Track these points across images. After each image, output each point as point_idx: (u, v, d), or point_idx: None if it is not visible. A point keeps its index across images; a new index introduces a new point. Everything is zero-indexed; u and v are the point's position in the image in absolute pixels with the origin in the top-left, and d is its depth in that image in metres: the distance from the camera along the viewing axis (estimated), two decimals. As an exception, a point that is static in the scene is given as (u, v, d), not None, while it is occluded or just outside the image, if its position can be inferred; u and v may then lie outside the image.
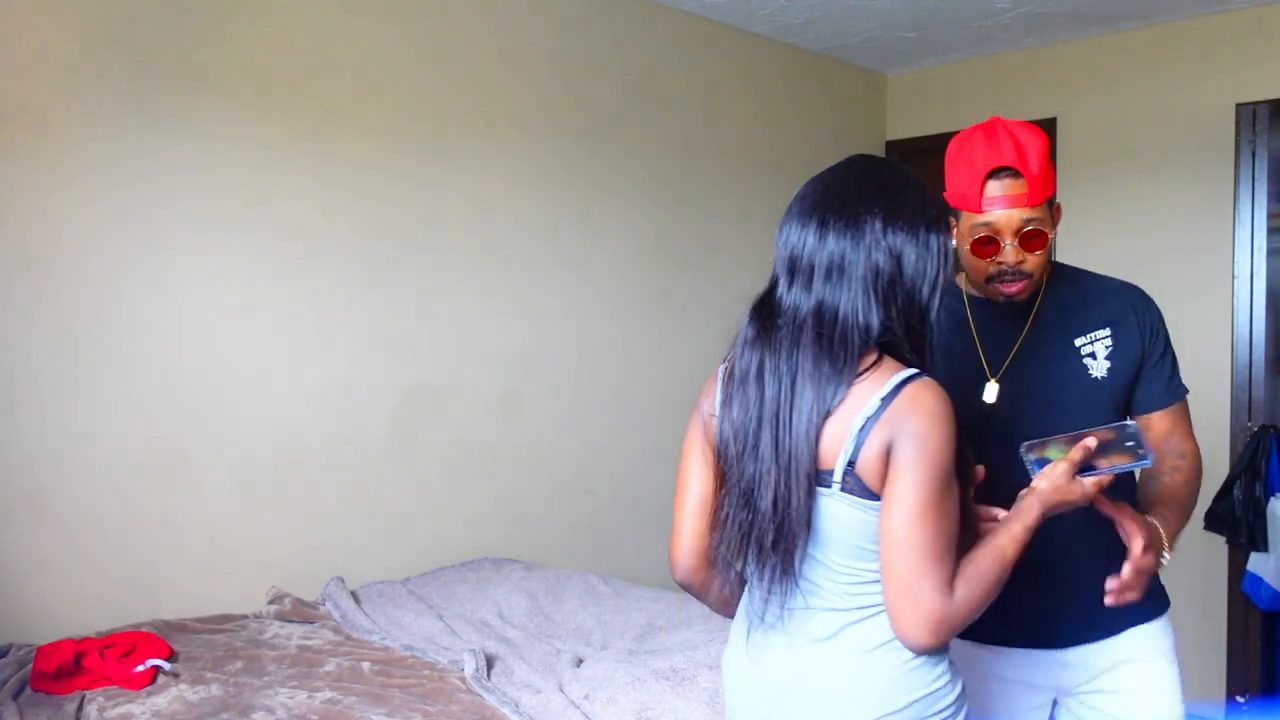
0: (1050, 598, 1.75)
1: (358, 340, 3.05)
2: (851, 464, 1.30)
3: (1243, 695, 3.76)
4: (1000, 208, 1.68)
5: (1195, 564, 3.92)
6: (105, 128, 2.57)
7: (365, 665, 2.39)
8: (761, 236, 4.21)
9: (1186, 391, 1.84)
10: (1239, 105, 3.80)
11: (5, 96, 2.43)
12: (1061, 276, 1.84)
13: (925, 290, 1.38)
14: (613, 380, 3.69)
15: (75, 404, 2.53)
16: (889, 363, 1.34)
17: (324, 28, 2.96)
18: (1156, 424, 1.81)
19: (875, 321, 1.33)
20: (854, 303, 1.34)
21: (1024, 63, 4.37)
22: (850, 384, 1.31)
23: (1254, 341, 3.79)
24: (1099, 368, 1.77)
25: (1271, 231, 3.79)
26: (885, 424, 1.28)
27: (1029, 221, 1.68)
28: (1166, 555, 1.65)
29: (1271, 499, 3.55)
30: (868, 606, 1.33)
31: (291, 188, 2.90)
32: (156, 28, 2.65)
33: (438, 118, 3.22)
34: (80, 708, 2.13)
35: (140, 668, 2.24)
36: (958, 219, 1.73)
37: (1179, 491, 1.76)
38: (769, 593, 1.36)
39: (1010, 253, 1.70)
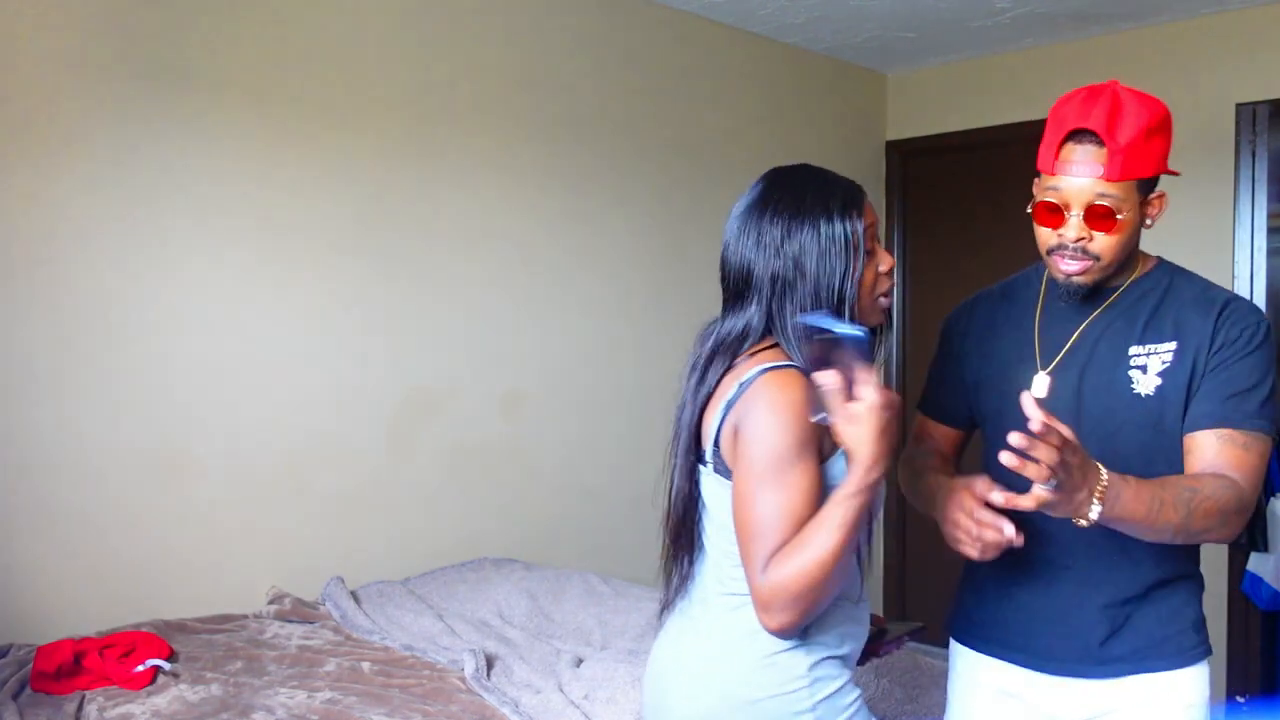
0: (1055, 620, 1.62)
1: (358, 340, 3.05)
2: (717, 444, 1.40)
3: (1243, 695, 3.76)
4: (1071, 175, 1.51)
5: (1195, 564, 3.92)
6: (106, 129, 2.57)
7: (365, 665, 2.39)
8: (761, 236, 4.21)
9: (1265, 428, 1.50)
10: (1239, 105, 3.80)
11: (5, 98, 2.44)
12: (1155, 275, 1.63)
13: (836, 284, 1.38)
14: (613, 380, 3.69)
15: (75, 404, 2.53)
16: (767, 355, 1.39)
17: (324, 30, 2.96)
18: (1199, 445, 1.50)
19: (758, 326, 1.41)
20: (748, 315, 1.42)
21: (1024, 63, 4.37)
22: (722, 375, 1.41)
23: (1254, 341, 3.79)
24: (1146, 383, 1.55)
25: (1271, 231, 3.79)
26: (738, 409, 1.36)
27: (1101, 197, 1.49)
28: (1091, 515, 1.33)
29: (1271, 499, 3.54)
30: (743, 594, 1.36)
31: (291, 189, 2.90)
32: (157, 31, 2.65)
33: (436, 119, 3.22)
34: (80, 708, 2.13)
35: (140, 668, 2.24)
36: (1041, 179, 1.59)
37: (1176, 486, 1.42)
38: (671, 574, 1.46)
39: (1073, 227, 1.52)
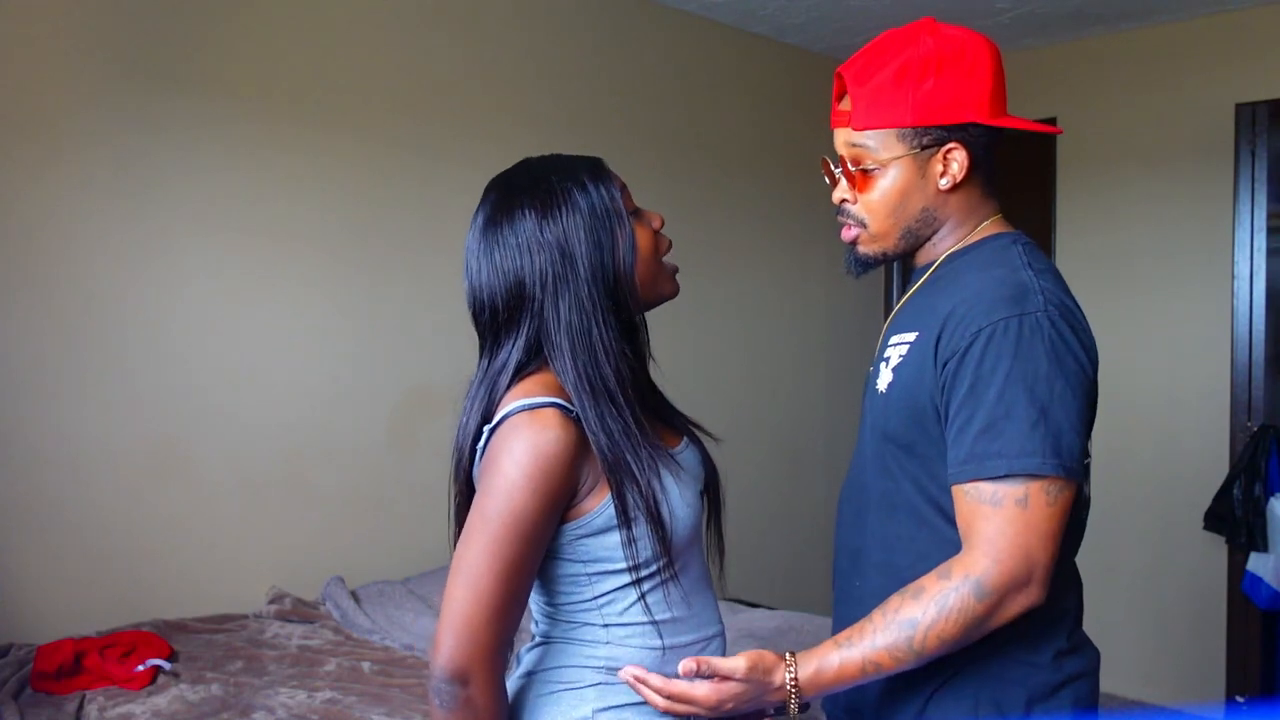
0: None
1: (358, 340, 3.05)
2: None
3: (1242, 695, 3.77)
4: (834, 128, 1.35)
5: (1195, 564, 3.92)
6: (107, 131, 2.57)
7: (365, 665, 2.39)
8: (762, 238, 4.21)
9: (1034, 468, 1.14)
10: (1239, 105, 3.80)
11: (8, 100, 2.44)
12: (972, 250, 1.32)
13: (611, 260, 1.22)
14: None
15: (76, 404, 2.53)
16: (530, 384, 1.19)
17: (324, 32, 2.96)
18: (957, 509, 1.21)
19: (526, 345, 1.21)
20: (523, 337, 1.21)
21: (1024, 63, 4.37)
22: (483, 413, 1.21)
23: (1254, 341, 3.79)
24: (884, 379, 1.31)
25: (1271, 231, 3.80)
26: (486, 457, 1.18)
27: (852, 148, 1.30)
28: (794, 710, 1.18)
29: (1271, 499, 3.55)
30: (538, 635, 1.29)
31: (292, 189, 2.90)
32: (158, 33, 2.65)
33: (437, 119, 3.22)
34: (80, 708, 2.13)
35: (140, 668, 2.24)
36: None
37: (892, 629, 1.16)
38: None
39: (838, 187, 1.35)
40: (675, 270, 1.32)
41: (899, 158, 1.28)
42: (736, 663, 1.17)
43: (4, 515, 2.43)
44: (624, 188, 1.28)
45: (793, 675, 1.18)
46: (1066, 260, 4.29)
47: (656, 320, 1.34)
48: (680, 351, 3.75)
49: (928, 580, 1.17)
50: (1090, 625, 1.39)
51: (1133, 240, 4.12)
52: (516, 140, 3.44)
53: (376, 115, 3.08)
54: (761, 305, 4.23)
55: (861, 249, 1.35)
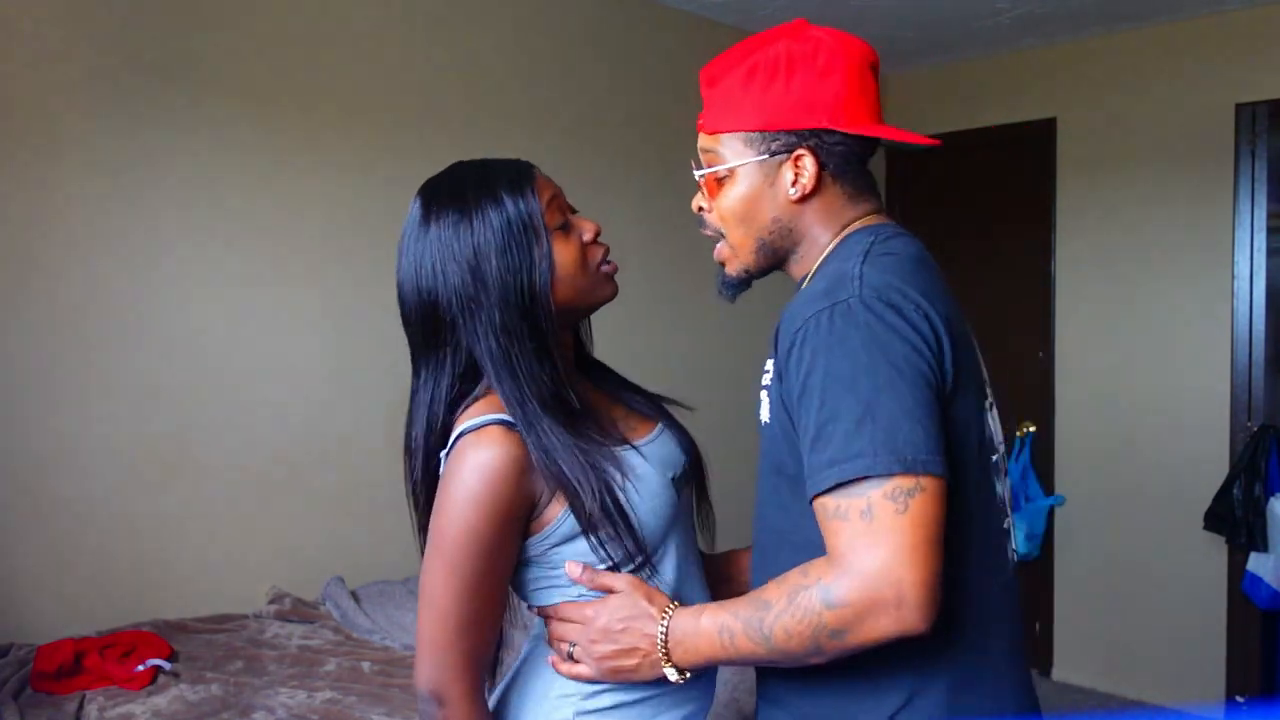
0: None
1: (358, 340, 3.05)
2: None
3: (1242, 695, 3.77)
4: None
5: (1195, 564, 3.92)
6: (108, 129, 2.57)
7: (365, 665, 2.39)
8: (761, 236, 4.21)
9: (859, 469, 1.01)
10: (1239, 105, 3.80)
11: (9, 99, 2.43)
12: (827, 260, 1.20)
13: (525, 280, 1.17)
14: (613, 380, 3.68)
15: (75, 404, 2.53)
16: (477, 407, 1.18)
17: (323, 30, 2.97)
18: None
19: (456, 372, 1.19)
20: (443, 364, 1.19)
21: (1024, 63, 4.38)
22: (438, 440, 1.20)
23: (1254, 341, 3.80)
24: (764, 409, 1.18)
25: (1271, 231, 3.80)
26: (440, 481, 1.18)
27: (703, 153, 1.23)
28: (668, 674, 1.14)
29: (1271, 499, 3.55)
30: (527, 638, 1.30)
31: (292, 188, 2.90)
32: (158, 32, 2.65)
33: (438, 118, 3.22)
34: (80, 708, 2.13)
35: (140, 668, 2.24)
36: None
37: (751, 605, 1.08)
38: None
39: (698, 193, 1.27)
40: (614, 271, 1.28)
41: (746, 163, 1.19)
42: (618, 576, 1.17)
43: (4, 515, 2.44)
44: (554, 197, 1.23)
45: (664, 628, 1.14)
46: (1066, 260, 4.29)
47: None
48: (676, 350, 3.74)
49: (794, 571, 1.06)
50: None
51: (1133, 240, 4.12)
52: (516, 141, 3.44)
53: (377, 115, 3.08)
54: (761, 304, 4.23)
55: (730, 272, 1.26)
